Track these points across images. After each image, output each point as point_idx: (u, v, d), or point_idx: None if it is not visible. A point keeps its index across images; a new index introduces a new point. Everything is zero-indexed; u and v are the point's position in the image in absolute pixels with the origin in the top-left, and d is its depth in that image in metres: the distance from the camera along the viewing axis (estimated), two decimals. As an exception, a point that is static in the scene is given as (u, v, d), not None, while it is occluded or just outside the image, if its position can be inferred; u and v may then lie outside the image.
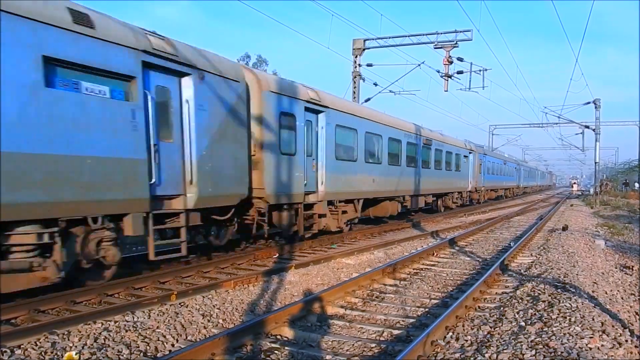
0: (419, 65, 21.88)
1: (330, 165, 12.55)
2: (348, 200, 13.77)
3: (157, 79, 7.74)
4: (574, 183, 76.78)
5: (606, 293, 7.58)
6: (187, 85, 8.21)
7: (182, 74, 8.14)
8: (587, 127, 38.37)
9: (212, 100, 8.61)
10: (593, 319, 5.85)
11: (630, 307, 6.98)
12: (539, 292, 7.39)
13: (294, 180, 10.99)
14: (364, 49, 22.07)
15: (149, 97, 7.44)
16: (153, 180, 7.52)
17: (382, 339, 5.75)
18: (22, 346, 5.05)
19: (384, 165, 16.00)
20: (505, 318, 6.15)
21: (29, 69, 5.88)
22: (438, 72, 21.07)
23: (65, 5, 6.39)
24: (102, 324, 5.75)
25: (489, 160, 33.28)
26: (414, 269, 9.77)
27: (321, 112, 12.33)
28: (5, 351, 4.90)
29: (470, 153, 27.91)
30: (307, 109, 11.64)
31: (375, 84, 22.85)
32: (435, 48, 20.53)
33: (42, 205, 6.05)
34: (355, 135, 14.11)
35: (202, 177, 8.38)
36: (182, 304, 6.71)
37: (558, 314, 6.09)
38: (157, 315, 6.18)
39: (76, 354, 4.91)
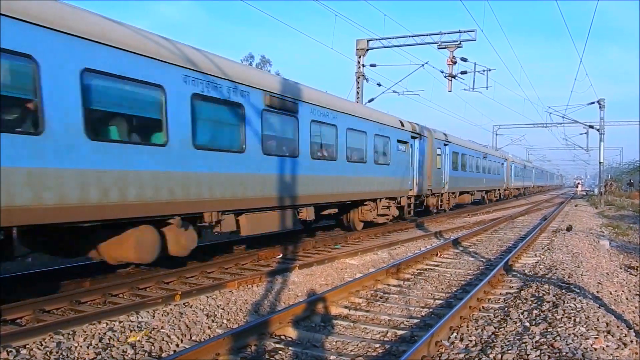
0: (423, 65, 21.87)
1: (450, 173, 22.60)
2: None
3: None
4: (579, 183, 76.47)
5: (611, 293, 7.56)
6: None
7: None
8: (591, 127, 38.24)
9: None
10: (598, 320, 5.83)
11: (635, 307, 6.95)
12: (544, 292, 7.37)
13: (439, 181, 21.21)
14: (367, 49, 22.05)
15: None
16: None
17: (386, 339, 5.74)
18: (27, 346, 5.07)
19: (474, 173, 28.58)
20: (510, 318, 6.14)
21: None
22: (442, 72, 21.07)
23: None
24: (107, 324, 5.78)
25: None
26: (417, 270, 9.76)
27: (447, 144, 21.93)
28: (11, 351, 4.93)
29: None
30: (445, 144, 21.65)
31: (379, 84, 22.86)
32: (438, 48, 20.51)
33: None
34: (468, 158, 26.21)
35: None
36: (186, 304, 6.72)
37: (563, 315, 6.07)
38: (162, 315, 6.19)
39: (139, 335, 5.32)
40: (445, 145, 21.67)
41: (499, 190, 37.05)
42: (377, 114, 15.42)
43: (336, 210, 13.59)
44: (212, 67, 8.47)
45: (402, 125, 16.77)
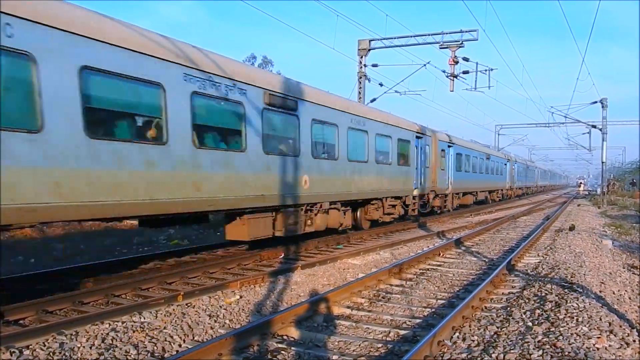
0: (425, 65, 21.88)
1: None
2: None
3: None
4: (581, 183, 76.18)
5: (613, 293, 7.54)
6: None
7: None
8: (594, 126, 38.18)
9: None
10: (600, 319, 5.83)
11: (638, 307, 6.93)
12: (546, 292, 7.36)
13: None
14: (369, 50, 22.04)
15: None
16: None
17: (388, 339, 5.74)
18: (30, 346, 5.09)
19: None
20: (512, 318, 6.13)
21: None
22: (444, 72, 21.04)
23: None
24: (110, 324, 5.79)
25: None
26: (420, 269, 9.75)
27: (516, 163, 41.81)
28: (14, 351, 4.94)
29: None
30: (515, 163, 42.02)
31: (381, 84, 22.89)
32: (440, 48, 20.49)
33: None
34: (521, 168, 46.24)
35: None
36: (188, 304, 6.74)
37: (565, 314, 6.06)
38: (164, 315, 6.21)
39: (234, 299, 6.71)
40: (515, 163, 42.00)
41: (531, 188, 56.80)
42: (497, 152, 36.53)
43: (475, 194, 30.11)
44: (467, 144, 27.04)
45: (504, 156, 38.06)
